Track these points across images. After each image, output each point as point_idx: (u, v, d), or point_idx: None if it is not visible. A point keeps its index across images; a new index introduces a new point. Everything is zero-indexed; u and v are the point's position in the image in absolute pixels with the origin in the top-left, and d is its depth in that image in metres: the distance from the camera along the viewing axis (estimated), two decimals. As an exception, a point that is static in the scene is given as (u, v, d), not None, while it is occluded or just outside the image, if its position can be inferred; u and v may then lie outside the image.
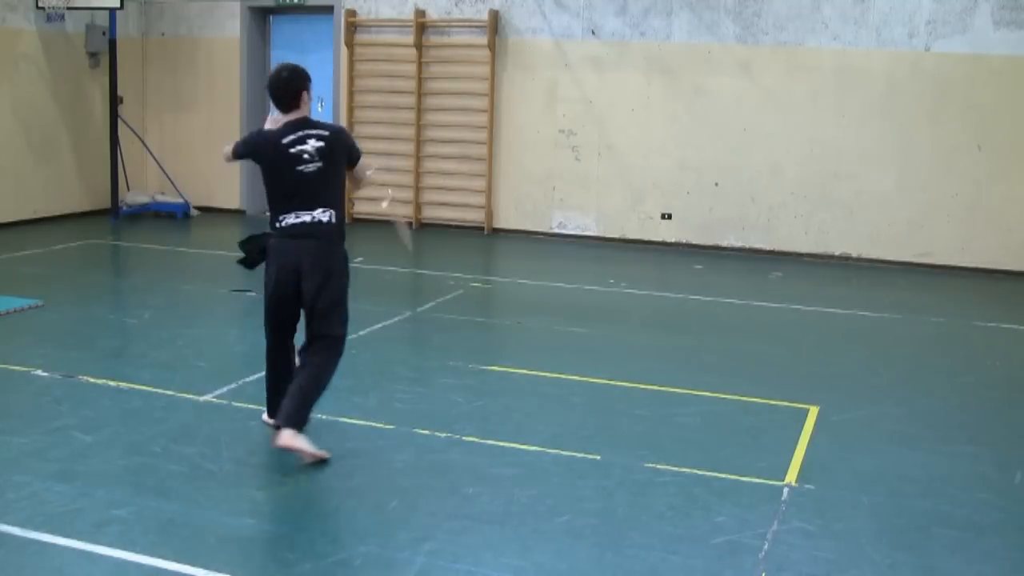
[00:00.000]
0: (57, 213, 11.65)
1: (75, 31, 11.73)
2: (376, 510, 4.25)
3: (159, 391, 5.64)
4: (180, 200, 12.31)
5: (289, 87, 4.77)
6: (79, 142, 11.92)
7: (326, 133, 4.79)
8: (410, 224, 5.05)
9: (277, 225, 4.74)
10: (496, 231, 11.60)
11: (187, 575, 3.65)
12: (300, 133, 4.73)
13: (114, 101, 11.85)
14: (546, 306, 8.25)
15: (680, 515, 4.29)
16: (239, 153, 4.90)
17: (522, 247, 11.03)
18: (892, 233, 10.35)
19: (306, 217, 4.71)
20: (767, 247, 10.75)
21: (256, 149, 4.84)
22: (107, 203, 12.06)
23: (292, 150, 4.69)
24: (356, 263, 9.95)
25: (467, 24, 11.44)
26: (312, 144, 4.71)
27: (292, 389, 4.72)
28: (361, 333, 7.07)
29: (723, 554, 3.95)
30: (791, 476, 4.74)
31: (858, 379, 6.41)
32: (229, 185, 12.67)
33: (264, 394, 5.14)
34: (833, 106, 10.36)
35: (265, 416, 5.14)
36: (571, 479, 4.63)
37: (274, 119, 4.92)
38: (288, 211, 4.72)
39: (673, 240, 11.08)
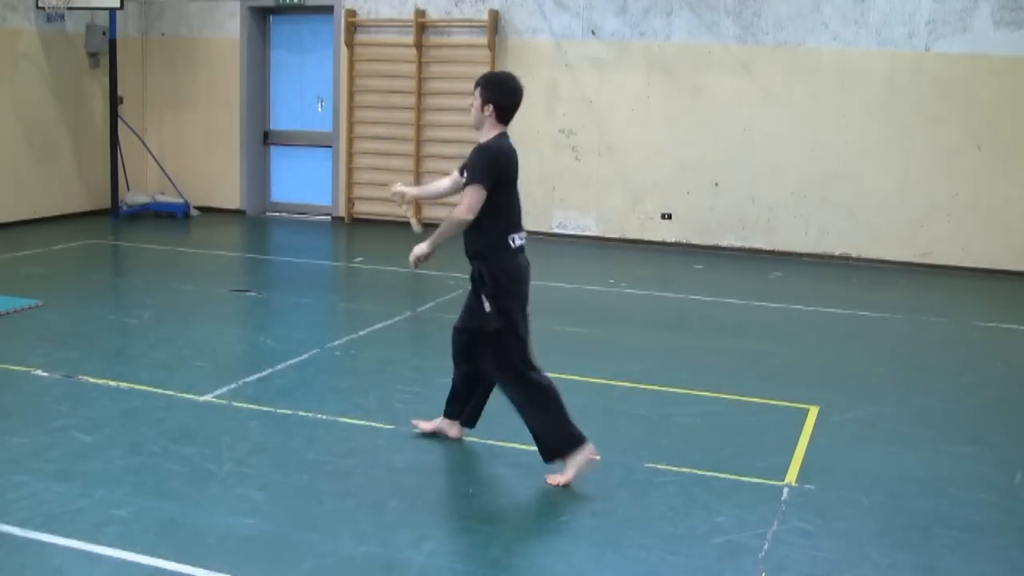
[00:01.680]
0: (57, 213, 11.65)
1: (75, 31, 11.73)
2: (376, 510, 4.25)
3: (159, 391, 5.64)
4: (180, 200, 12.31)
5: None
6: (79, 142, 11.92)
7: None
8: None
9: (512, 244, 4.59)
10: (496, 231, 11.57)
11: (187, 575, 3.65)
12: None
13: (114, 101, 11.85)
14: (546, 306, 8.24)
15: (680, 515, 4.29)
16: (490, 187, 4.46)
17: (522, 247, 11.01)
18: (892, 233, 10.35)
19: (524, 236, 4.70)
20: (767, 247, 10.75)
21: (509, 167, 4.55)
22: (107, 203, 12.06)
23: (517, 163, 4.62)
24: (356, 263, 10.01)
25: (467, 24, 11.44)
26: None
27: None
28: (361, 333, 7.08)
29: (723, 554, 3.95)
30: (791, 476, 4.74)
31: (858, 379, 6.41)
32: (229, 185, 12.68)
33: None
34: (833, 106, 10.36)
35: (589, 453, 4.61)
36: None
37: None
38: (520, 230, 4.64)
39: (673, 240, 11.07)
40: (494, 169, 4.50)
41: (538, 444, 4.60)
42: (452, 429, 5.01)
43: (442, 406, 5.11)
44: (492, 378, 4.76)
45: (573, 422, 4.58)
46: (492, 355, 4.64)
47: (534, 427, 4.62)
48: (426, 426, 5.07)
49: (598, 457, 4.63)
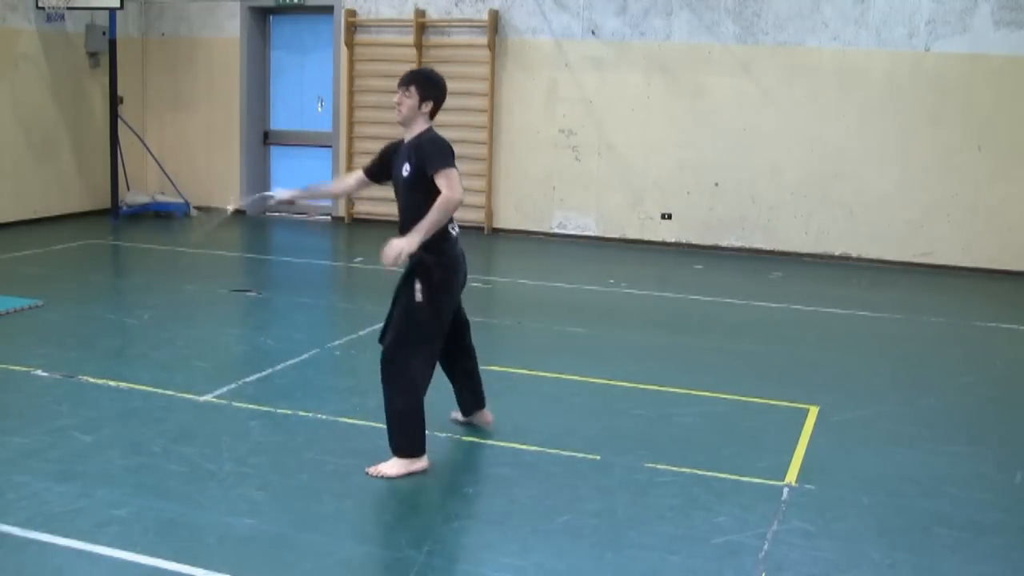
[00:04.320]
0: (57, 213, 11.65)
1: (75, 31, 11.73)
2: (376, 510, 4.25)
3: (159, 391, 5.64)
4: (180, 200, 12.31)
5: None
6: (79, 142, 11.93)
7: None
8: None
9: (453, 233, 4.64)
10: (496, 231, 11.60)
11: (187, 575, 3.65)
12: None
13: (114, 101, 11.85)
14: (546, 306, 8.26)
15: (680, 515, 4.29)
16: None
17: (522, 247, 11.03)
18: (892, 233, 10.35)
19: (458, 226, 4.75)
20: (767, 247, 10.75)
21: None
22: (107, 203, 12.06)
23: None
24: (356, 263, 10.00)
25: (467, 24, 11.44)
26: None
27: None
28: (361, 333, 7.07)
29: (723, 554, 3.95)
30: (791, 476, 4.74)
31: (858, 379, 6.41)
32: (229, 185, 12.66)
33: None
34: (833, 106, 10.36)
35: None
36: (571, 479, 4.63)
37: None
38: (453, 219, 4.65)
39: (673, 240, 11.08)
40: (452, 155, 4.57)
41: (391, 433, 4.63)
42: (483, 418, 5.20)
43: (441, 407, 5.12)
44: (385, 349, 4.63)
45: (424, 432, 4.65)
46: (402, 336, 4.58)
47: (394, 414, 4.62)
48: (460, 415, 5.26)
49: (425, 466, 4.62)
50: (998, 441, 5.37)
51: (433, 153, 4.53)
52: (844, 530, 4.20)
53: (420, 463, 4.61)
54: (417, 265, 4.55)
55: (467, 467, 4.76)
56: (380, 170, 4.87)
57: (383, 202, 11.74)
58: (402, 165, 4.62)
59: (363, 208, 12.05)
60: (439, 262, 4.57)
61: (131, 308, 7.87)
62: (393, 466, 4.57)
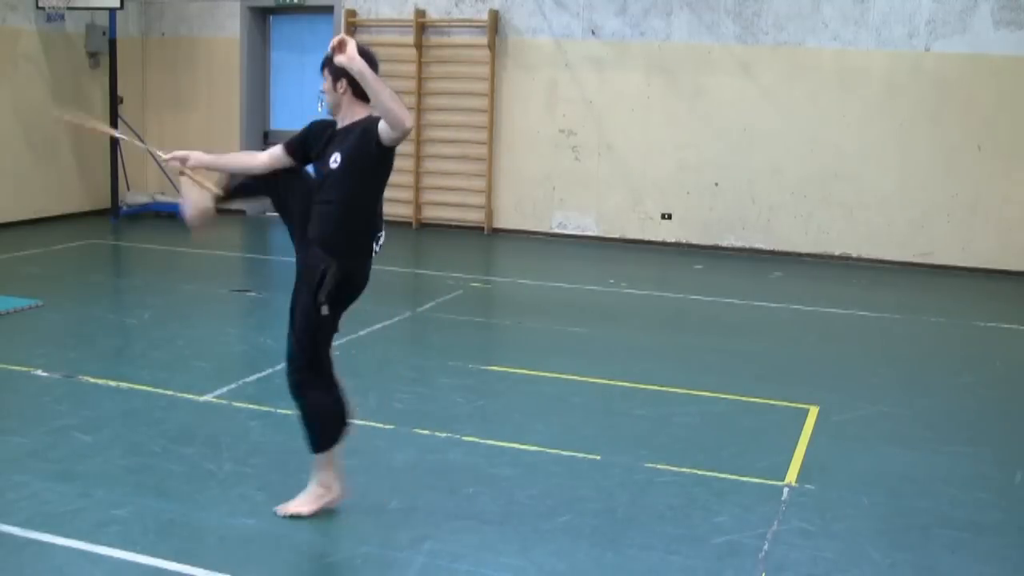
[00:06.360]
0: (57, 213, 11.65)
1: (75, 31, 11.73)
2: (376, 510, 4.24)
3: (159, 391, 5.64)
4: (180, 200, 12.29)
5: None
6: (79, 142, 11.92)
7: None
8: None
9: (376, 247, 4.14)
10: (496, 231, 11.59)
11: (187, 575, 3.65)
12: None
13: (114, 101, 11.84)
14: (546, 306, 8.25)
15: (680, 515, 4.29)
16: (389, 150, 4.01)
17: (522, 247, 11.03)
18: (892, 233, 10.35)
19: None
20: (767, 247, 10.75)
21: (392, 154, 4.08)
22: (107, 203, 12.06)
23: None
24: (356, 263, 9.99)
25: (467, 24, 11.44)
26: None
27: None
28: (361, 333, 7.07)
29: (723, 554, 3.95)
30: (791, 476, 4.74)
31: (858, 379, 6.40)
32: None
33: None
34: (833, 106, 10.36)
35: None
36: (571, 479, 4.63)
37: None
38: (381, 226, 4.13)
39: (673, 240, 11.08)
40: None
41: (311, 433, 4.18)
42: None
43: (441, 407, 5.11)
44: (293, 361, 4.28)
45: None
46: (306, 340, 4.23)
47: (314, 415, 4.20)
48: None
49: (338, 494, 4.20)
50: (998, 441, 5.37)
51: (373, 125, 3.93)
52: (844, 530, 4.20)
53: (333, 492, 4.15)
54: (320, 278, 4.00)
55: (467, 467, 4.75)
56: (304, 150, 4.20)
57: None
58: (330, 155, 3.99)
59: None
60: (344, 277, 4.03)
61: (131, 308, 7.87)
62: (308, 500, 4.14)
